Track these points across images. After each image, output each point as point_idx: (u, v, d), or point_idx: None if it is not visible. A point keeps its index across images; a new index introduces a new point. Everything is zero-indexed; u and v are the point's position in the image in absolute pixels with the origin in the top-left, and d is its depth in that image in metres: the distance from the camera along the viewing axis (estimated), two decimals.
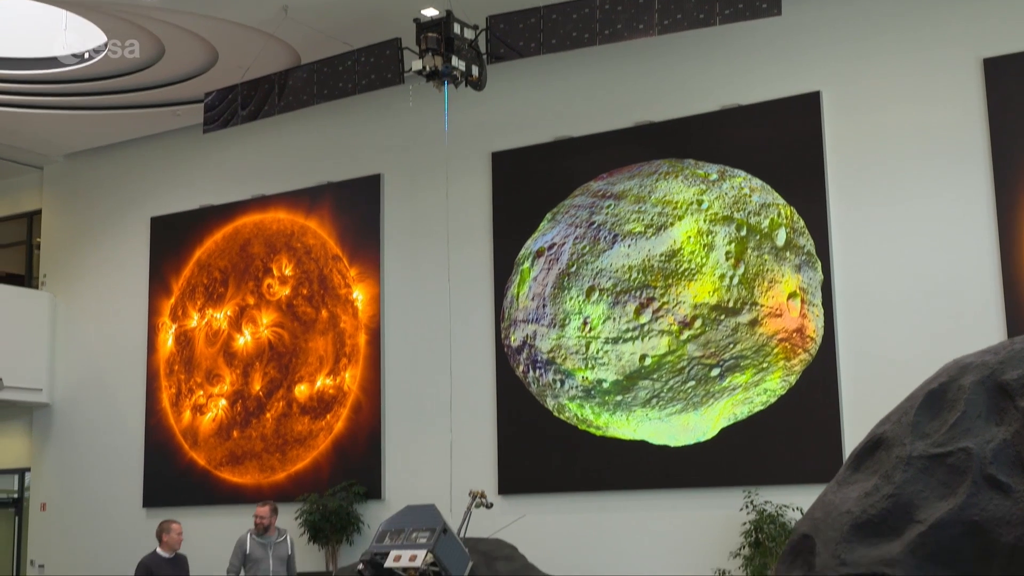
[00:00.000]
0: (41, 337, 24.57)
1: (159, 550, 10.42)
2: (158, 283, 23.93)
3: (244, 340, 22.85)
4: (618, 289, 18.53)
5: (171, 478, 22.97)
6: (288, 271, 22.53)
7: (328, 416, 21.66)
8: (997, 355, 5.03)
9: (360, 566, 14.26)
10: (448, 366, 20.01)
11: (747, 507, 16.98)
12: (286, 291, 22.52)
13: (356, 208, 21.84)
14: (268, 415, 22.33)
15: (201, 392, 23.18)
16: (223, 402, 22.92)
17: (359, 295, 21.62)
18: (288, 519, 20.78)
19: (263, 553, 10.86)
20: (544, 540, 17.78)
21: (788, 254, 17.18)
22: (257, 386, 22.57)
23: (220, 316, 23.19)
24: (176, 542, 10.50)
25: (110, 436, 23.96)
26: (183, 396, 23.35)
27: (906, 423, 5.10)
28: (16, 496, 25.41)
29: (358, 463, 21.05)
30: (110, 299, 24.49)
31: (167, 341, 23.68)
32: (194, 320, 23.48)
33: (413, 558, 14.09)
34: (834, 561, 5.02)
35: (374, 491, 20.74)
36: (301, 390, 22.07)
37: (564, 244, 19.07)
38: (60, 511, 24.18)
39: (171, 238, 23.83)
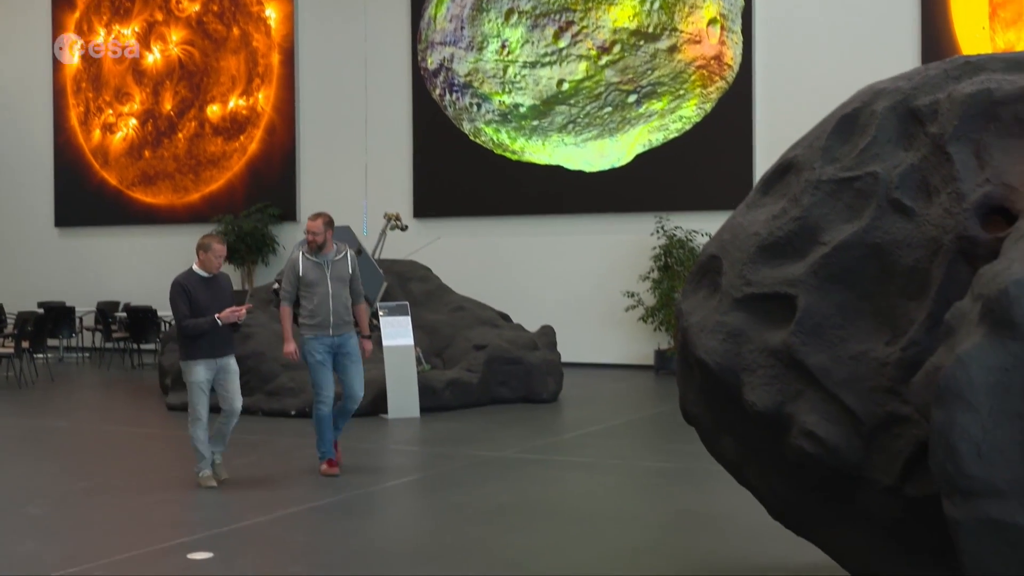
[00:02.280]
0: None
1: (195, 268, 8.99)
2: None
3: (153, 58, 22.22)
4: (537, 12, 18.18)
5: (83, 198, 22.71)
6: None
7: (241, 137, 21.38)
8: (911, 81, 5.04)
9: (275, 286, 14.40)
10: (364, 88, 19.73)
11: (658, 232, 17.30)
12: (195, 7, 21.78)
13: None
14: (180, 135, 21.99)
15: (110, 111, 22.68)
16: (133, 121, 22.48)
17: (272, 13, 20.99)
18: None
19: (319, 274, 9.24)
20: (458, 262, 18.03)
21: None
22: (168, 106, 22.12)
23: (128, 32, 22.45)
24: (213, 265, 8.95)
25: (17, 154, 23.49)
26: (92, 115, 22.84)
27: (817, 147, 5.14)
28: None
29: (272, 185, 20.96)
30: (9, 12, 23.53)
31: (73, 57, 22.96)
32: (100, 36, 22.72)
33: None
34: (739, 281, 5.14)
35: (289, 213, 20.74)
36: (213, 110, 21.69)
37: None
38: None
39: None
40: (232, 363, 9.06)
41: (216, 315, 8.78)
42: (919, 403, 4.04)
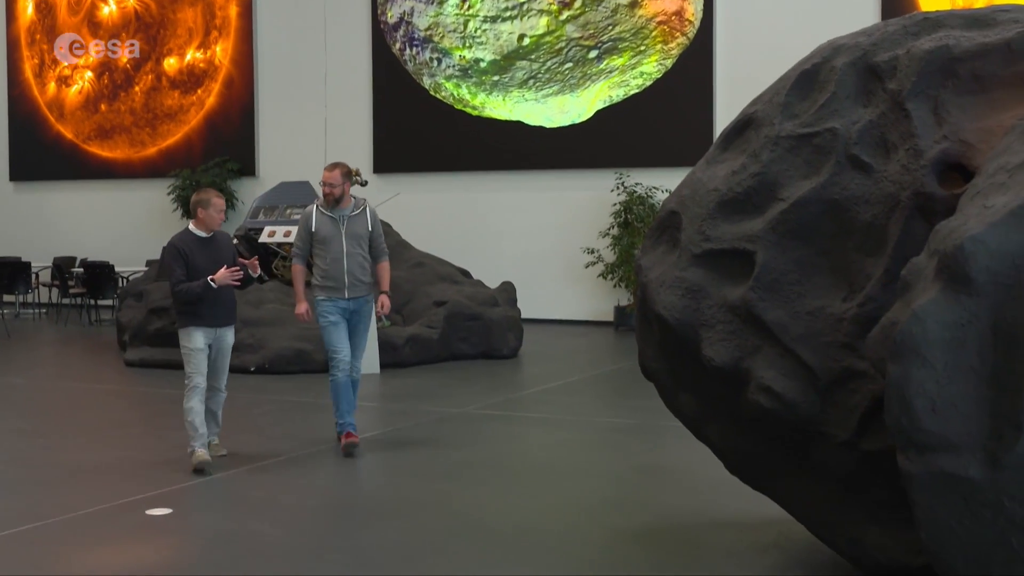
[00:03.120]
0: None
1: (192, 227, 8.04)
2: None
3: (109, 10, 21.91)
4: None
5: (38, 152, 22.44)
6: None
7: (199, 91, 21.16)
8: (870, 37, 5.04)
9: (234, 241, 14.31)
10: (323, 42, 19.55)
11: (618, 188, 17.30)
12: None
13: None
14: (136, 89, 21.73)
15: (65, 63, 22.38)
16: (89, 74, 22.19)
17: None
18: (160, 195, 20.64)
19: (333, 230, 8.41)
20: (418, 218, 17.97)
21: None
22: (124, 59, 21.85)
23: None
24: (214, 221, 7.97)
25: None
26: (47, 67, 22.52)
27: (777, 103, 5.14)
28: None
29: (231, 139, 20.77)
30: None
31: (27, 8, 22.60)
32: None
33: (288, 234, 14.18)
34: (698, 237, 5.15)
35: (248, 168, 20.58)
36: (170, 63, 21.43)
37: None
38: None
39: None
40: (229, 337, 8.18)
41: (209, 277, 7.83)
42: (875, 358, 4.08)
